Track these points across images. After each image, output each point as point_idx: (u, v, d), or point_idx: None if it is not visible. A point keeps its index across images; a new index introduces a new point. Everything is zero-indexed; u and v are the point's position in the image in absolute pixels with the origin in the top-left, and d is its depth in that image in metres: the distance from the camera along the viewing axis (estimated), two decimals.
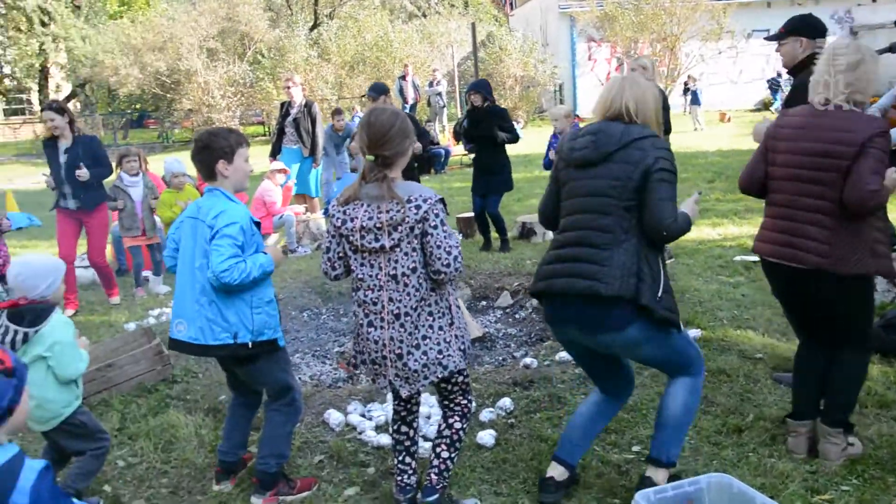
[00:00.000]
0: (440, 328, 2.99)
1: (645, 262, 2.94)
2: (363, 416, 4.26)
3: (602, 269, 2.92)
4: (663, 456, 3.19)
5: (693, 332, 5.05)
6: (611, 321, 2.95)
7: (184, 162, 7.20)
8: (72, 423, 3.40)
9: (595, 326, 3.00)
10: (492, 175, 7.93)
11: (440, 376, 3.03)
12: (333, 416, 4.21)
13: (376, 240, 2.91)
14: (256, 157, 14.72)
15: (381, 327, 2.97)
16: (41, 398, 3.26)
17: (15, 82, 33.84)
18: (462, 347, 3.07)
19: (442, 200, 2.93)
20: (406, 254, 2.91)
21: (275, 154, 10.07)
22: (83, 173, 6.55)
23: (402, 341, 2.96)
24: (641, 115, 3.06)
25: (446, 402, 3.23)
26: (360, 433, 4.08)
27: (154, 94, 25.93)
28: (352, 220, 2.95)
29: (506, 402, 4.28)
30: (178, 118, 26.73)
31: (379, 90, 7.80)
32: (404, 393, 3.05)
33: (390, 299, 2.95)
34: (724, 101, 24.60)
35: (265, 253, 3.28)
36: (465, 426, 3.21)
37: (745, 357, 4.71)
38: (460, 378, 3.16)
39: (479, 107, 7.82)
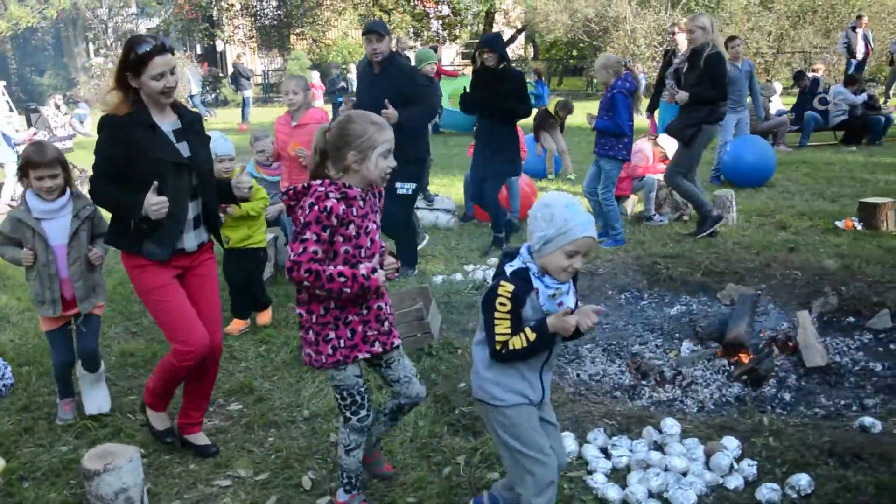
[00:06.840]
0: None
1: None
2: (604, 450, 3.33)
3: None
4: None
5: None
6: None
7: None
8: None
9: None
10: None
11: None
12: (565, 441, 3.35)
13: None
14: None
15: None
16: None
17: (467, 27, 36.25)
18: None
19: None
20: None
21: (652, 110, 9.02)
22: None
23: None
24: None
25: None
26: (589, 472, 3.19)
27: (580, 41, 25.84)
28: None
29: (802, 479, 2.99)
30: None
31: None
32: None
33: None
34: None
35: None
36: None
37: None
38: None
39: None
